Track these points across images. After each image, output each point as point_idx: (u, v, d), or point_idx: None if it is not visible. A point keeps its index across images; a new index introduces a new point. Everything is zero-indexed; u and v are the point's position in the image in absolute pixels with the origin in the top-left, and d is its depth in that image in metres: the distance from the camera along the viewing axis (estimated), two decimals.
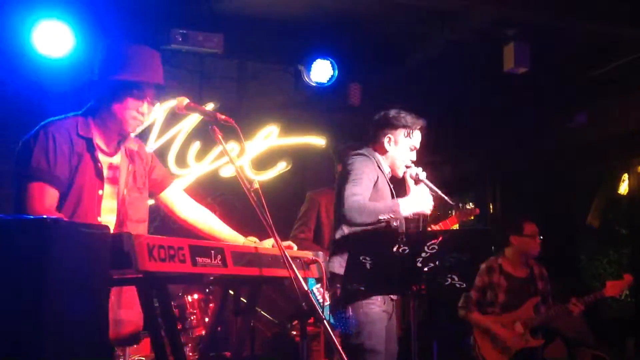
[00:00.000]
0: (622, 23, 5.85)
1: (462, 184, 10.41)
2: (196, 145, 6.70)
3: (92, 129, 2.91)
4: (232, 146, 5.93)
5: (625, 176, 8.56)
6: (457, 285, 3.16)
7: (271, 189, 6.15)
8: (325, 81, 6.55)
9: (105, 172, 2.93)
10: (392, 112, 3.88)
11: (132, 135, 3.07)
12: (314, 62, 6.49)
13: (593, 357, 6.82)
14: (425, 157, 8.90)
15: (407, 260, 3.06)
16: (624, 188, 8.63)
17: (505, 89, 6.98)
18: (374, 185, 3.64)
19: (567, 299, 5.27)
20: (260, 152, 6.91)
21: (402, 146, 3.81)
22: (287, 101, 7.20)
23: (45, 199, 2.74)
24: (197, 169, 6.76)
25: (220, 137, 2.84)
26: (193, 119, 6.50)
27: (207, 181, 6.85)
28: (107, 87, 2.89)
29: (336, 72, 6.53)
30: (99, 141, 2.93)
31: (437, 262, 3.08)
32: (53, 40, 5.49)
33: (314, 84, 6.56)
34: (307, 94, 6.79)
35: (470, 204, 5.43)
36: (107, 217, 2.91)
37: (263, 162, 6.86)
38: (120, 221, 2.95)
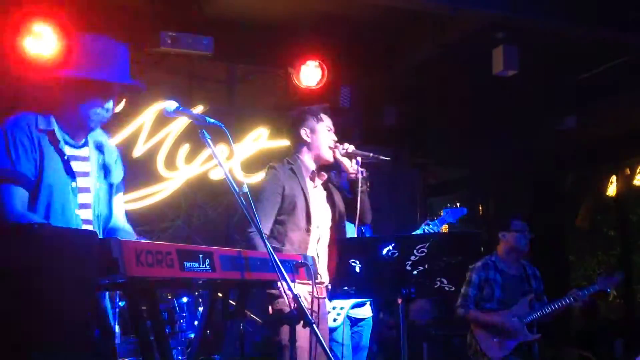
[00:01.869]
0: (611, 27, 5.88)
1: (452, 186, 10.45)
2: (185, 148, 6.69)
3: (53, 123, 2.82)
4: (221, 149, 5.91)
5: (614, 178, 8.62)
6: (446, 289, 3.16)
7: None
8: (315, 84, 6.55)
9: (75, 166, 2.85)
10: (295, 112, 4.05)
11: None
12: (304, 65, 6.49)
13: (579, 357, 6.86)
14: (416, 159, 8.96)
15: (396, 263, 3.06)
16: (612, 190, 8.68)
17: (495, 92, 7.00)
18: (282, 197, 3.72)
19: (557, 298, 5.33)
20: (250, 154, 6.91)
21: (320, 131, 3.91)
22: (276, 104, 7.19)
23: (15, 201, 2.67)
24: (186, 172, 6.75)
25: (209, 140, 2.83)
26: (182, 121, 6.48)
27: (197, 184, 6.84)
28: (72, 84, 2.81)
29: (326, 74, 6.53)
30: (63, 134, 2.84)
31: (426, 266, 3.08)
32: (41, 40, 5.46)
33: (303, 87, 6.56)
34: (296, 96, 6.79)
35: (457, 204, 5.43)
36: (83, 211, 2.85)
37: (253, 165, 6.85)
38: (97, 215, 2.89)
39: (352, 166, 3.88)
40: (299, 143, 3.93)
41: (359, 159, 3.89)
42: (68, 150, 2.85)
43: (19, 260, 1.93)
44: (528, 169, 8.61)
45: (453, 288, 3.18)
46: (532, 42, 6.18)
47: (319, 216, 3.85)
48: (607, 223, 9.56)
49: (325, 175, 3.95)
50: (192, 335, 4.88)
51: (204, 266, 2.39)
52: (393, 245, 3.05)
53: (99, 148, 2.98)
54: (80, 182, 2.86)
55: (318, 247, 3.83)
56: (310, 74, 6.52)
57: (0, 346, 1.92)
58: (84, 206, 2.86)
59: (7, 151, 2.70)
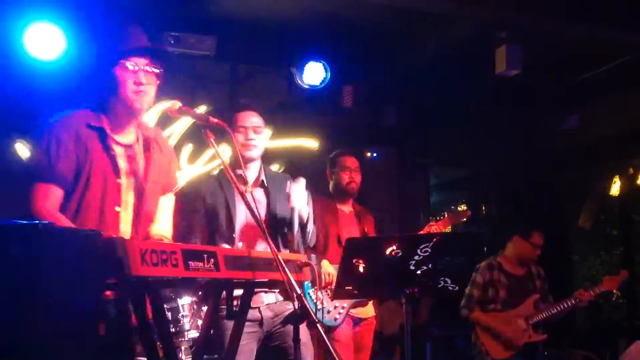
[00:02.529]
0: (613, 26, 5.88)
1: (455, 185, 10.45)
2: (189, 148, 6.69)
3: (103, 120, 2.91)
4: (224, 148, 5.90)
5: (617, 178, 8.60)
6: (450, 289, 3.16)
7: None
8: (318, 83, 6.55)
9: (121, 163, 2.91)
10: None
11: (144, 115, 3.04)
12: (307, 65, 6.49)
13: (583, 358, 6.85)
14: (419, 159, 8.95)
15: (399, 263, 3.06)
16: (615, 189, 8.67)
17: (497, 92, 6.99)
18: (204, 208, 3.69)
19: (561, 298, 5.33)
20: None
21: (235, 130, 3.83)
22: (279, 104, 7.19)
23: (48, 199, 2.76)
24: (189, 171, 6.75)
25: (212, 140, 2.84)
26: (185, 122, 6.48)
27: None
28: (104, 72, 2.90)
29: (329, 74, 6.53)
30: (111, 132, 2.92)
31: (430, 265, 3.08)
32: (45, 42, 5.46)
33: (306, 87, 6.55)
34: (299, 96, 6.79)
35: (463, 206, 5.42)
36: (125, 210, 2.90)
37: None
38: (137, 215, 2.93)
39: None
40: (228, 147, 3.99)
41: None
42: (116, 149, 2.91)
43: (23, 260, 1.93)
44: (530, 168, 8.60)
45: (457, 288, 3.18)
46: (534, 42, 6.17)
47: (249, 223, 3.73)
48: (610, 223, 9.56)
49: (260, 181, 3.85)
50: (196, 335, 4.87)
51: (208, 266, 2.40)
52: (397, 244, 3.04)
53: (146, 145, 3.02)
54: (125, 181, 2.91)
55: None
56: (313, 74, 6.52)
57: (5, 346, 1.92)
58: (124, 205, 2.90)
59: (47, 150, 2.79)
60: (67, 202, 2.81)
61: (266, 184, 3.84)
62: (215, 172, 3.91)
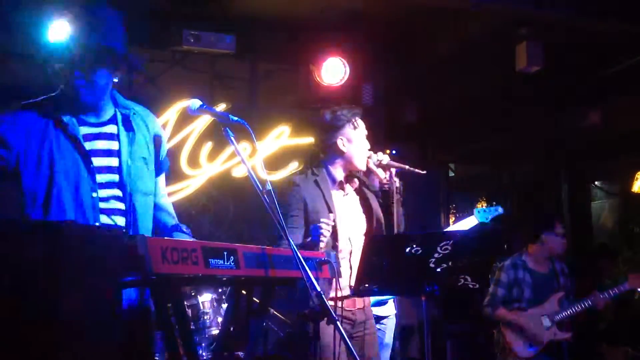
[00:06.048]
0: (635, 21, 5.82)
1: (476, 183, 10.40)
2: (208, 146, 6.72)
3: (59, 107, 2.83)
4: (244, 146, 5.93)
5: (639, 174, 8.53)
6: (470, 286, 3.15)
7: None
8: (337, 81, 6.55)
9: (96, 143, 2.83)
10: (329, 115, 3.76)
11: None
12: (326, 62, 6.49)
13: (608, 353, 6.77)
14: (441, 156, 8.93)
15: (420, 260, 3.05)
16: (637, 186, 8.59)
17: (518, 88, 6.95)
18: (305, 212, 3.55)
19: (587, 295, 5.30)
20: (272, 152, 6.92)
21: (357, 140, 3.69)
22: (298, 101, 7.20)
23: None
24: (209, 169, 6.78)
25: (232, 137, 2.84)
26: (205, 120, 6.50)
27: (219, 181, 6.87)
28: (54, 59, 2.88)
29: (348, 71, 6.52)
30: (75, 114, 2.83)
31: (450, 263, 3.07)
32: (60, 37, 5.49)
33: (325, 84, 6.55)
34: (318, 94, 6.79)
35: (482, 204, 5.42)
36: (107, 190, 2.82)
37: (275, 162, 6.86)
38: (128, 193, 2.85)
39: (385, 177, 3.69)
40: (333, 152, 3.70)
41: (393, 170, 3.68)
42: (85, 130, 2.83)
43: (45, 257, 1.95)
44: (552, 165, 8.54)
45: (477, 285, 3.16)
46: (554, 37, 6.13)
47: (351, 227, 3.68)
48: (633, 220, 9.47)
49: (357, 183, 3.76)
50: (216, 332, 4.90)
51: (228, 263, 2.40)
52: (417, 242, 3.04)
53: (125, 122, 2.92)
54: (104, 161, 2.84)
55: (352, 259, 3.64)
56: (332, 71, 6.52)
57: (25, 344, 1.94)
58: (108, 185, 2.82)
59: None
60: (34, 189, 2.70)
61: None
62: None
